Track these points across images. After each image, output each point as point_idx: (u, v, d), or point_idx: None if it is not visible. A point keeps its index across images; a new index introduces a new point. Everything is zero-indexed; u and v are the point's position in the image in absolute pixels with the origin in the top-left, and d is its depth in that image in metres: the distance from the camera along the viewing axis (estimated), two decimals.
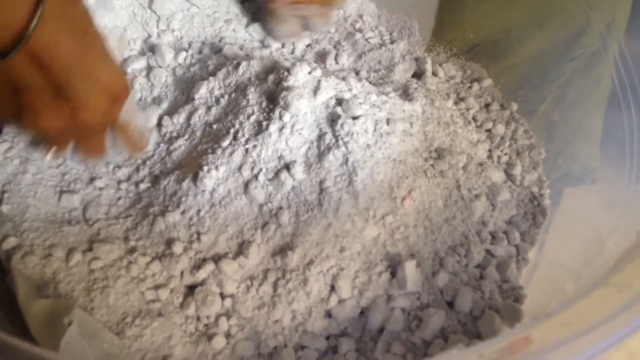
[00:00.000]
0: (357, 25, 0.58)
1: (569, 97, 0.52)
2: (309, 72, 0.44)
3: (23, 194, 0.44)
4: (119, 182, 0.46)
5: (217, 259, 0.41)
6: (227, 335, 0.39)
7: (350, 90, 0.45)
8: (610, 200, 0.44)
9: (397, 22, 0.59)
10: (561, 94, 0.52)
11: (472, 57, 0.58)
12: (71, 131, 0.39)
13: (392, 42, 0.56)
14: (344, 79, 0.45)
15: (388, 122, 0.44)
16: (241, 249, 0.41)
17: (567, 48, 0.52)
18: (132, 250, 0.41)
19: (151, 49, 0.53)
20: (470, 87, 0.55)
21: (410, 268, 0.39)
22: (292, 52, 0.54)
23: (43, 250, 0.40)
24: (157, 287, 0.40)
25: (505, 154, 0.49)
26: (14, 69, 0.33)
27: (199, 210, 0.42)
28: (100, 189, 0.45)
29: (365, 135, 0.42)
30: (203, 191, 0.43)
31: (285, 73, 0.44)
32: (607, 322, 0.25)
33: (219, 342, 0.38)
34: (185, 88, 0.50)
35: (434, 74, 0.54)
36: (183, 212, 0.43)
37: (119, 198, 0.45)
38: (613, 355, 0.25)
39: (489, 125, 0.51)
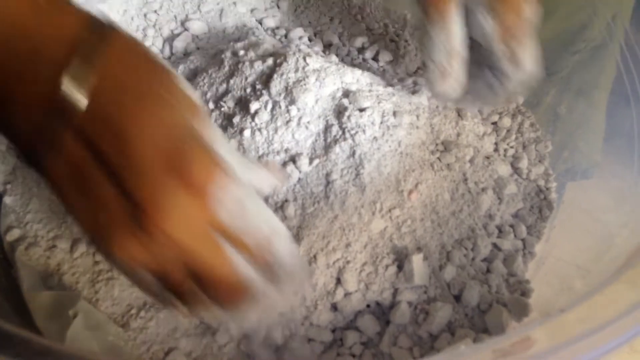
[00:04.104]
0: (362, 16, 0.58)
1: (572, 90, 0.51)
2: (316, 64, 0.44)
3: (27, 183, 0.43)
4: None
5: None
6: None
7: (356, 81, 0.44)
8: (618, 195, 0.44)
9: (402, 15, 0.58)
10: (565, 87, 0.51)
11: None
12: (171, 259, 0.26)
13: (397, 35, 0.56)
14: (350, 70, 0.45)
15: (395, 114, 0.43)
16: None
17: (572, 40, 0.51)
18: None
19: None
20: None
21: (417, 261, 0.38)
22: (298, 45, 0.53)
23: (47, 242, 0.40)
24: None
25: (512, 147, 0.49)
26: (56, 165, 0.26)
27: None
28: None
29: (372, 127, 0.42)
30: None
31: (292, 65, 0.43)
32: (622, 318, 0.25)
33: (224, 334, 0.38)
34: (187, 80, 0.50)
35: None
36: None
37: None
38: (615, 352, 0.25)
39: (495, 118, 0.50)
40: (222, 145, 0.28)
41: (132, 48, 0.28)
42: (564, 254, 0.41)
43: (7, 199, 0.42)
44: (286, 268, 0.28)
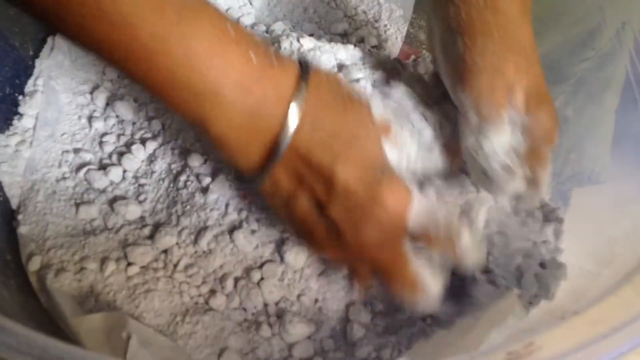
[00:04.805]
0: (335, 4, 0.59)
1: (581, 95, 0.51)
2: (310, 44, 0.44)
3: (39, 211, 0.42)
4: (136, 185, 0.45)
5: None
6: (278, 317, 0.39)
7: (351, 57, 0.45)
8: (626, 199, 0.43)
9: (374, 0, 0.59)
10: (573, 93, 0.51)
11: None
12: (360, 256, 0.36)
13: (375, 20, 0.57)
14: (343, 47, 0.45)
15: (388, 81, 0.45)
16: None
17: (580, 47, 0.51)
18: (164, 251, 0.41)
19: None
20: None
21: None
22: (283, 32, 0.53)
23: (75, 265, 0.39)
24: (198, 284, 0.40)
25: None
26: (269, 182, 0.34)
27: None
28: (116, 195, 0.44)
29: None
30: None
31: (288, 49, 0.44)
32: (636, 321, 0.25)
33: (267, 330, 0.39)
34: None
35: None
36: (203, 207, 0.42)
37: (140, 202, 0.44)
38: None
39: None
40: (408, 135, 0.36)
41: (328, 81, 0.34)
42: (572, 258, 0.41)
43: (23, 229, 0.41)
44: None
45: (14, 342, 0.24)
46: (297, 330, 0.38)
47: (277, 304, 0.40)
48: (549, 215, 0.43)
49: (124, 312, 0.37)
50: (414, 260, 0.35)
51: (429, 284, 0.36)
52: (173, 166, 0.45)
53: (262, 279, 0.40)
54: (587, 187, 0.47)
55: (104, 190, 0.45)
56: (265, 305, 0.40)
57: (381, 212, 0.33)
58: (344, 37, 0.55)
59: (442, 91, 0.39)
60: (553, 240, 0.41)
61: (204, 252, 0.41)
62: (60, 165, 0.45)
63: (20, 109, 0.46)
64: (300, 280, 0.40)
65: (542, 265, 0.40)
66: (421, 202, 0.35)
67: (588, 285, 0.35)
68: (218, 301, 0.39)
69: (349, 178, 0.32)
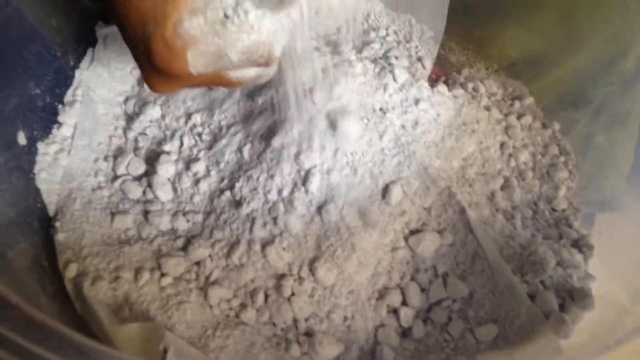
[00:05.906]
0: (367, 23, 0.59)
1: (603, 120, 0.51)
2: None
3: (76, 219, 0.43)
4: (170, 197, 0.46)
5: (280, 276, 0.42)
6: (306, 334, 0.40)
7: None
8: None
9: (407, 19, 0.60)
10: (595, 117, 0.51)
11: (512, 73, 0.57)
12: None
13: (407, 40, 0.58)
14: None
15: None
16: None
17: (605, 70, 0.51)
18: (197, 263, 0.42)
19: None
20: (511, 105, 0.55)
21: None
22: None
23: (110, 274, 0.40)
24: (229, 297, 0.40)
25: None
26: None
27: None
28: (150, 208, 0.45)
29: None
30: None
31: None
32: None
33: (296, 349, 0.39)
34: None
35: (475, 89, 0.55)
36: (236, 221, 0.43)
37: (174, 214, 0.45)
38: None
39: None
40: None
41: None
42: (602, 288, 0.40)
43: (60, 236, 0.42)
44: None
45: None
46: (327, 351, 0.39)
47: (306, 320, 0.40)
48: (579, 242, 0.43)
49: (159, 323, 0.37)
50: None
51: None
52: (207, 179, 0.46)
53: (292, 294, 0.40)
54: (612, 215, 0.47)
55: (138, 201, 0.45)
56: (295, 320, 0.40)
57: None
58: (377, 59, 0.55)
59: None
60: (583, 267, 0.41)
61: (235, 265, 0.41)
62: (96, 175, 0.46)
63: (60, 118, 0.47)
64: (330, 297, 0.41)
65: (570, 294, 0.40)
66: None
67: (622, 316, 0.35)
68: (248, 315, 0.40)
69: None
